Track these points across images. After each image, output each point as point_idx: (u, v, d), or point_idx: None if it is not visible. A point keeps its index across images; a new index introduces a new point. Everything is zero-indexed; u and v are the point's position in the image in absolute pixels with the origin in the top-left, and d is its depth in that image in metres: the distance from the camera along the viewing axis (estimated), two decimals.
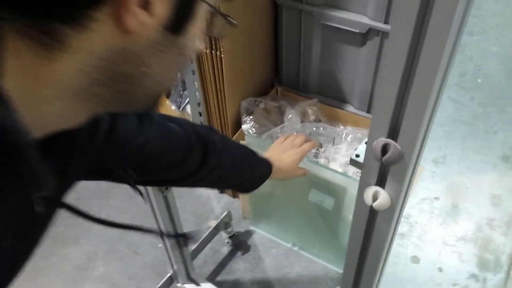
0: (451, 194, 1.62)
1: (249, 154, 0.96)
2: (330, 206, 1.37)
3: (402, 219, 1.57)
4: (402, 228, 1.53)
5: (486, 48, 2.19)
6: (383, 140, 0.52)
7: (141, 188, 1.17)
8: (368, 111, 1.47)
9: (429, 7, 0.40)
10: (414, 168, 0.56)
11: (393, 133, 0.52)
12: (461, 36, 0.46)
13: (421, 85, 0.45)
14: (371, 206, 0.58)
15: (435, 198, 1.62)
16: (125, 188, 1.84)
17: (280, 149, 1.09)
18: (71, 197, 1.64)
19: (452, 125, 1.86)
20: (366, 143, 0.55)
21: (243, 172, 0.94)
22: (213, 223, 1.59)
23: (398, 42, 0.44)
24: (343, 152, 1.42)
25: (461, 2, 0.39)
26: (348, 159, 0.80)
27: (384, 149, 0.52)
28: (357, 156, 0.60)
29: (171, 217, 1.24)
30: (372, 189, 0.58)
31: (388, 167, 0.55)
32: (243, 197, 1.63)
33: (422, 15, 0.41)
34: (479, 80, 2.05)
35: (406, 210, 1.59)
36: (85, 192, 1.80)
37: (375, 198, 0.58)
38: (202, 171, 0.81)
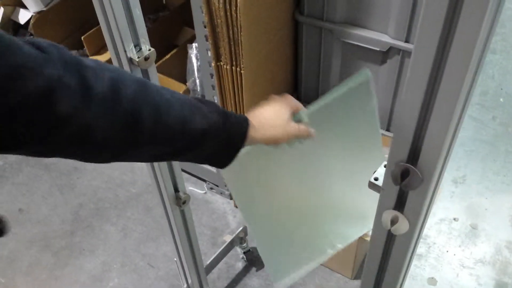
0: (470, 215, 1.59)
1: (196, 101, 0.63)
2: None
3: (420, 239, 1.55)
4: (419, 249, 1.51)
5: (509, 67, 2.16)
6: (402, 164, 0.51)
7: (159, 201, 1.18)
8: (388, 129, 1.46)
9: (453, 26, 0.39)
10: (434, 193, 0.56)
11: (413, 158, 0.51)
12: (485, 56, 0.46)
13: (443, 109, 0.44)
14: (389, 230, 0.58)
15: (454, 219, 1.59)
16: (143, 200, 1.85)
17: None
18: (88, 209, 1.65)
19: (472, 144, 1.84)
20: (385, 166, 0.55)
21: (191, 125, 0.60)
22: (228, 238, 1.59)
23: (421, 62, 0.43)
24: None
25: (486, 22, 0.38)
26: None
27: (404, 173, 0.52)
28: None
29: (187, 231, 1.25)
30: (390, 213, 0.58)
31: (407, 192, 0.55)
32: None
33: (446, 35, 0.40)
34: (501, 99, 2.02)
35: (424, 231, 1.56)
36: (103, 203, 1.81)
37: (393, 222, 0.58)
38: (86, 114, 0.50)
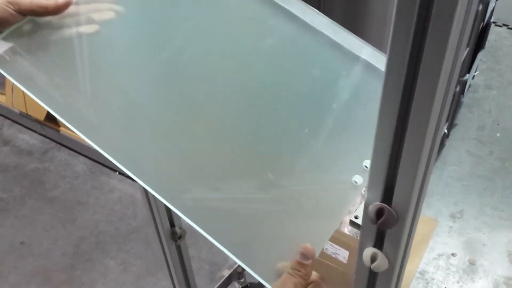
0: (468, 250, 1.59)
1: None
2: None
3: (418, 275, 1.55)
4: (418, 285, 1.51)
5: (505, 102, 2.19)
6: (377, 204, 0.53)
7: (155, 236, 1.19)
8: None
9: (417, 71, 0.42)
10: (411, 231, 0.57)
11: (388, 197, 0.53)
12: (451, 91, 0.48)
13: (411, 148, 0.47)
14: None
15: (452, 254, 1.59)
16: (143, 233, 1.86)
17: None
18: (89, 242, 1.67)
19: (470, 179, 1.85)
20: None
21: None
22: (226, 273, 1.59)
23: (390, 101, 0.45)
24: None
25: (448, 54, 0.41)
26: None
27: (379, 213, 0.54)
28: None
29: (184, 267, 1.26)
30: (370, 251, 0.59)
31: (385, 230, 0.56)
32: None
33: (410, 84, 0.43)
34: (498, 134, 2.04)
35: (422, 266, 1.57)
36: (104, 237, 1.83)
37: (373, 259, 0.59)
38: None
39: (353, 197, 0.58)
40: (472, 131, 2.05)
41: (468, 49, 1.72)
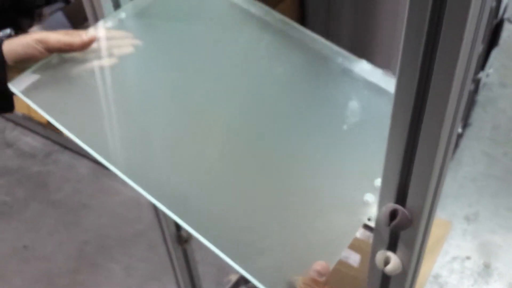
0: (483, 253, 1.54)
1: None
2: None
3: (431, 279, 1.50)
4: None
5: None
6: (391, 205, 0.50)
7: (160, 239, 1.16)
8: None
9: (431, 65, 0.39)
10: (425, 233, 0.54)
11: (402, 198, 0.50)
12: (465, 94, 0.45)
13: (425, 148, 0.44)
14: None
15: (467, 257, 1.54)
16: (147, 237, 1.83)
17: None
18: (93, 246, 1.64)
19: (484, 180, 1.80)
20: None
21: None
22: (233, 277, 1.56)
23: (402, 104, 0.43)
24: None
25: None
26: None
27: (392, 214, 0.50)
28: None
29: (190, 271, 1.23)
30: (383, 254, 0.57)
31: (398, 232, 0.53)
32: None
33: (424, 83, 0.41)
34: None
35: (436, 270, 1.52)
36: (108, 241, 1.80)
37: (386, 262, 0.56)
38: None
39: (365, 216, 0.57)
40: (486, 130, 1.99)
41: (482, 46, 1.68)
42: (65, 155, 2.14)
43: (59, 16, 2.01)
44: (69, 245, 1.81)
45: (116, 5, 0.71)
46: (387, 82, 0.67)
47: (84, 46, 0.65)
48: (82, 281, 1.69)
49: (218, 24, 0.73)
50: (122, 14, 0.70)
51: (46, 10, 2.08)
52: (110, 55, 0.66)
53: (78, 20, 2.08)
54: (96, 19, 0.72)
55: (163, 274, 1.67)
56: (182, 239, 1.15)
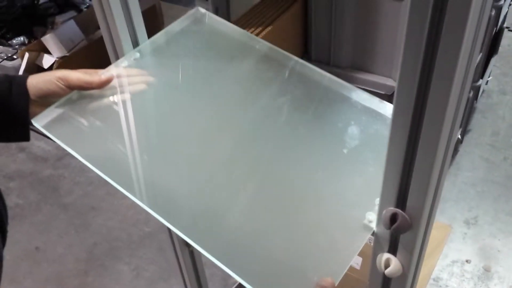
0: (483, 257, 1.58)
1: None
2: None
3: (432, 282, 1.53)
4: None
5: None
6: (391, 209, 0.53)
7: (168, 241, 1.20)
8: None
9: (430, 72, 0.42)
10: (425, 236, 0.57)
11: (402, 202, 0.53)
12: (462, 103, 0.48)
13: (425, 154, 0.47)
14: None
15: (466, 260, 1.58)
16: (156, 239, 1.87)
17: None
18: (102, 248, 1.68)
19: (484, 185, 1.83)
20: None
21: None
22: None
23: (401, 114, 0.46)
24: None
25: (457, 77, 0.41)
26: None
27: (393, 218, 0.54)
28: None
29: (197, 272, 1.26)
30: (384, 256, 0.59)
31: (399, 236, 0.56)
32: None
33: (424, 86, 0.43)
34: None
35: (436, 273, 1.55)
36: (117, 243, 1.84)
37: (387, 265, 0.59)
38: None
39: (366, 233, 0.60)
40: (486, 136, 2.03)
41: (481, 54, 1.71)
42: (76, 159, 2.17)
43: (71, 24, 2.06)
44: (79, 247, 1.85)
45: (135, 43, 0.78)
46: (384, 107, 0.72)
47: (102, 85, 0.70)
48: (91, 282, 1.73)
49: (225, 58, 0.80)
50: (137, 54, 0.76)
51: (59, 18, 2.13)
52: (125, 92, 0.72)
53: (89, 29, 2.13)
54: (117, 57, 0.78)
55: (170, 276, 1.71)
56: None
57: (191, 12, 0.82)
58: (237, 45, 0.81)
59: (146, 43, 0.78)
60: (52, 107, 0.68)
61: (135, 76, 0.74)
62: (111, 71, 0.73)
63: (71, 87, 0.68)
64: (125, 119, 0.70)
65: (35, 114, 0.67)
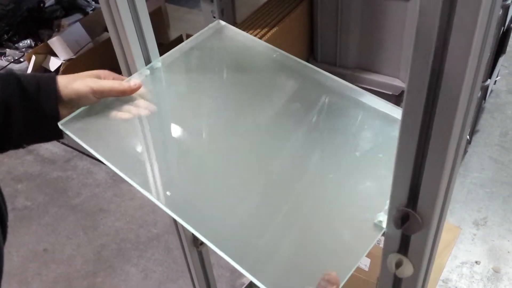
0: (492, 258, 1.57)
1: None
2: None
3: (441, 283, 1.53)
4: None
5: None
6: (402, 209, 0.53)
7: (176, 242, 1.20)
8: None
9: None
10: (436, 236, 0.57)
11: (413, 202, 0.53)
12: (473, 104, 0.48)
13: (436, 154, 0.47)
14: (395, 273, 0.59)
15: (476, 262, 1.57)
16: (164, 240, 1.87)
17: None
18: (110, 249, 1.68)
19: (493, 186, 1.82)
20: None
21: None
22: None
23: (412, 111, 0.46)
24: None
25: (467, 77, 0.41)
26: None
27: (404, 218, 0.53)
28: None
29: (205, 273, 1.26)
30: (394, 257, 0.59)
31: (409, 236, 0.56)
32: None
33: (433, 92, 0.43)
34: None
35: (445, 274, 1.54)
36: (125, 244, 1.85)
37: (398, 265, 0.59)
38: None
39: (377, 233, 0.61)
40: (494, 137, 2.01)
41: (489, 54, 1.70)
42: (84, 161, 2.19)
43: (77, 27, 2.07)
44: (87, 249, 1.85)
45: (148, 61, 0.81)
46: (396, 111, 0.73)
47: (133, 92, 0.74)
48: (99, 283, 1.73)
49: (235, 71, 0.84)
50: (147, 71, 0.79)
51: (65, 21, 2.14)
52: (127, 111, 0.75)
53: (95, 31, 2.14)
54: (129, 74, 0.81)
55: (179, 277, 1.71)
56: (198, 242, 1.18)
57: (212, 25, 0.86)
58: (259, 58, 0.84)
59: (157, 59, 0.81)
60: (77, 113, 0.70)
61: (142, 99, 0.76)
62: (137, 79, 0.77)
63: (103, 97, 0.72)
64: (149, 127, 0.74)
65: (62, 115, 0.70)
